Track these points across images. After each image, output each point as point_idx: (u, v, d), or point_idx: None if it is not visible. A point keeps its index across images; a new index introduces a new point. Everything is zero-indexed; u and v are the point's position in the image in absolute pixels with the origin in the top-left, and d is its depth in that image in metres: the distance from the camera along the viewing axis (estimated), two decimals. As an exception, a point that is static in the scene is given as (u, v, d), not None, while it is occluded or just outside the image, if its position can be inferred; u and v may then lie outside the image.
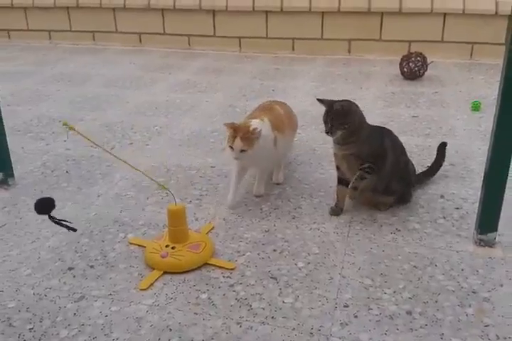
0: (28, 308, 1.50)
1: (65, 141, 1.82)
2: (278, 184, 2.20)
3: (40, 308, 1.50)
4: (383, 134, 1.93)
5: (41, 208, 1.56)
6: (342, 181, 1.96)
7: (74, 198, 2.12)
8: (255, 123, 1.91)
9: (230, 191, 2.03)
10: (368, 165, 1.86)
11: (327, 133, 1.82)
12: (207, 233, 1.85)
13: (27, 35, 5.03)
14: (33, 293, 1.56)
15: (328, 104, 1.82)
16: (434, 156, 2.23)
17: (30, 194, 2.15)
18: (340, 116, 1.79)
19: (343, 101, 1.85)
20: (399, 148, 1.97)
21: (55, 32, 4.98)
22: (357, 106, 1.86)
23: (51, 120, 3.00)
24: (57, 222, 1.59)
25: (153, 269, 1.66)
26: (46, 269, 1.67)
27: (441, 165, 2.21)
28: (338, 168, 1.96)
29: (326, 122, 1.82)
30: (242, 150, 1.87)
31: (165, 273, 1.64)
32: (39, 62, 4.35)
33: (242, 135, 1.85)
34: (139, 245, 1.79)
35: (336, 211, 1.97)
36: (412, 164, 2.05)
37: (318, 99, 1.86)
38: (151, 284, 1.60)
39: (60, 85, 3.69)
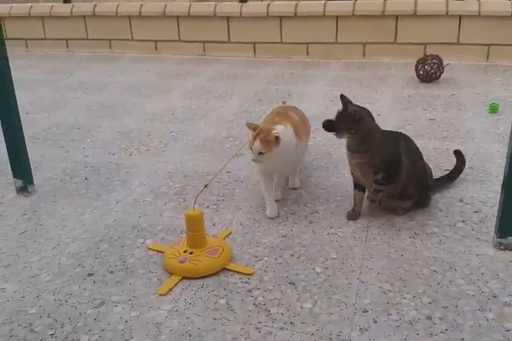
0: (49, 314, 1.52)
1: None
2: (294, 189, 2.20)
3: (60, 314, 1.52)
4: (397, 140, 1.92)
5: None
6: (358, 186, 1.96)
7: (93, 205, 2.14)
8: (279, 129, 1.88)
9: (267, 204, 2.01)
10: (382, 176, 1.85)
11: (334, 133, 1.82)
12: (224, 238, 1.86)
13: (44, 44, 5.11)
14: (54, 299, 1.58)
15: (344, 105, 1.82)
16: (452, 159, 2.21)
17: (49, 201, 2.18)
18: (349, 120, 1.78)
19: (360, 107, 1.84)
20: (414, 153, 1.95)
21: (72, 40, 5.05)
22: (371, 115, 1.85)
23: (69, 128, 3.04)
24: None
25: (172, 274, 1.67)
26: (66, 275, 1.69)
27: (461, 171, 2.19)
28: (352, 173, 1.96)
29: (336, 122, 1.82)
30: (261, 153, 1.86)
31: (183, 278, 1.65)
32: (56, 70, 4.42)
33: (262, 137, 1.84)
34: (157, 251, 1.80)
35: (354, 215, 1.96)
36: (429, 167, 2.04)
37: (341, 96, 1.84)
38: (170, 289, 1.60)
39: (78, 93, 3.74)
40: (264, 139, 1.84)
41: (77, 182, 2.36)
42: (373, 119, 1.86)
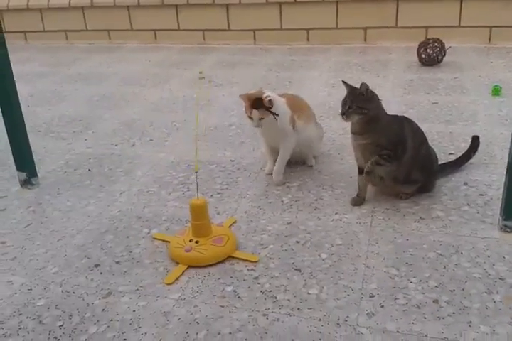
0: (57, 305, 1.53)
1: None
2: (311, 166, 2.28)
3: (68, 305, 1.52)
4: (403, 123, 1.91)
5: None
6: (362, 171, 1.94)
7: (97, 196, 2.15)
8: (268, 93, 2.02)
9: (268, 162, 2.22)
10: (386, 152, 1.84)
11: (342, 115, 1.80)
12: (229, 226, 1.86)
13: (43, 36, 5.09)
14: (62, 291, 1.59)
15: (351, 87, 1.81)
16: (456, 143, 2.19)
17: (53, 193, 2.19)
18: (361, 100, 1.77)
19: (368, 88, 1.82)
20: (420, 137, 1.94)
21: (71, 32, 5.03)
22: (378, 96, 1.84)
23: (71, 119, 3.04)
24: None
25: (178, 264, 1.67)
26: (73, 266, 1.70)
27: (470, 158, 2.18)
28: (357, 159, 1.95)
29: (344, 104, 1.80)
30: (261, 118, 1.99)
31: (190, 267, 1.66)
32: (56, 62, 4.40)
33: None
34: (163, 240, 1.81)
35: (358, 201, 1.96)
36: (435, 152, 2.02)
37: (343, 81, 1.85)
38: (177, 278, 1.61)
39: (78, 85, 3.73)
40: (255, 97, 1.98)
41: (81, 173, 2.36)
42: (380, 100, 1.85)
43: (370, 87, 1.81)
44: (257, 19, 4.47)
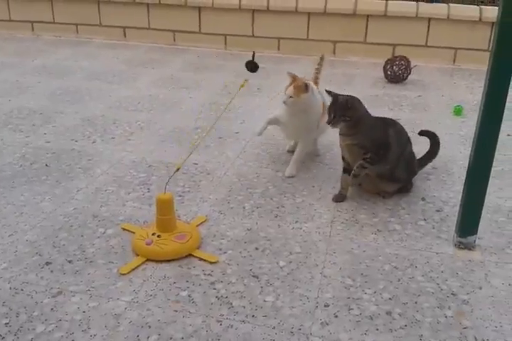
0: (4, 302, 1.47)
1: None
2: (317, 155, 2.42)
3: (16, 303, 1.47)
4: (387, 125, 2.04)
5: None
6: (346, 170, 2.05)
7: (53, 192, 2.08)
8: (310, 82, 2.21)
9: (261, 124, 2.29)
10: (370, 156, 1.96)
11: (329, 123, 1.95)
12: (198, 225, 1.85)
13: (9, 26, 4.93)
14: (10, 287, 1.53)
15: (334, 97, 1.95)
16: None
17: (8, 186, 2.11)
18: (343, 109, 1.92)
19: (348, 96, 1.97)
20: (404, 138, 2.08)
21: (38, 23, 4.89)
22: (360, 101, 1.98)
23: (31, 112, 2.95)
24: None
25: (138, 255, 1.68)
26: (23, 263, 1.64)
27: (436, 154, 2.27)
28: (343, 158, 2.07)
29: (329, 113, 1.95)
30: (291, 97, 2.14)
31: (148, 260, 1.66)
32: (21, 53, 4.28)
33: (295, 84, 2.16)
34: (129, 231, 1.81)
35: (340, 197, 2.06)
36: (414, 155, 2.15)
37: (326, 90, 2.00)
38: (133, 270, 1.60)
39: (42, 77, 3.63)
40: (297, 85, 2.15)
41: (38, 168, 2.29)
42: (363, 105, 1.99)
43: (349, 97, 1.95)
44: (229, 24, 4.47)
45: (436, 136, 2.28)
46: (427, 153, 2.28)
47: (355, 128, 1.96)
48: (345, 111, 1.92)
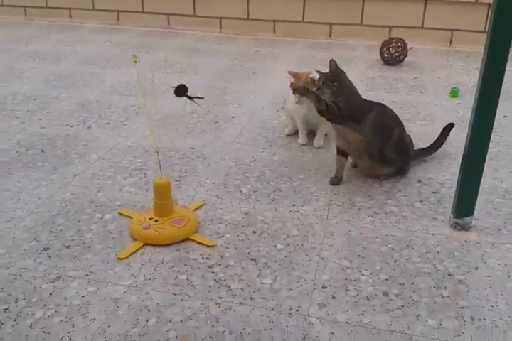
0: (2, 288, 1.47)
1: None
2: (318, 148, 2.38)
3: (14, 288, 1.47)
4: (374, 105, 2.05)
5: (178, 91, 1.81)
6: (340, 152, 2.05)
7: (49, 178, 2.08)
8: (314, 75, 2.17)
9: (300, 134, 2.40)
10: (336, 105, 1.94)
11: (317, 89, 1.97)
12: (195, 210, 1.85)
13: (1, 11, 4.88)
14: (8, 273, 1.53)
15: (322, 73, 2.00)
16: (416, 141, 2.24)
17: (4, 173, 2.10)
18: (330, 76, 1.97)
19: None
20: (391, 118, 2.08)
21: (31, 8, 4.84)
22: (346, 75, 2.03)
23: (26, 98, 2.93)
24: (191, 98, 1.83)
25: (136, 240, 1.68)
26: (21, 249, 1.64)
27: (442, 144, 2.30)
28: (337, 139, 2.07)
29: (317, 83, 1.98)
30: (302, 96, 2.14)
31: (146, 244, 1.67)
32: (13, 38, 4.23)
33: (302, 81, 2.18)
34: (127, 216, 1.81)
35: (336, 180, 2.06)
36: (411, 139, 2.14)
37: (316, 70, 2.04)
38: (131, 254, 1.61)
39: (35, 62, 3.60)
40: (304, 83, 2.17)
41: (33, 154, 2.28)
42: (351, 83, 2.02)
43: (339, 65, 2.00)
44: (224, 7, 4.42)
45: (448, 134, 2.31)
46: (429, 146, 2.29)
47: (339, 97, 1.95)
48: (331, 77, 1.96)
